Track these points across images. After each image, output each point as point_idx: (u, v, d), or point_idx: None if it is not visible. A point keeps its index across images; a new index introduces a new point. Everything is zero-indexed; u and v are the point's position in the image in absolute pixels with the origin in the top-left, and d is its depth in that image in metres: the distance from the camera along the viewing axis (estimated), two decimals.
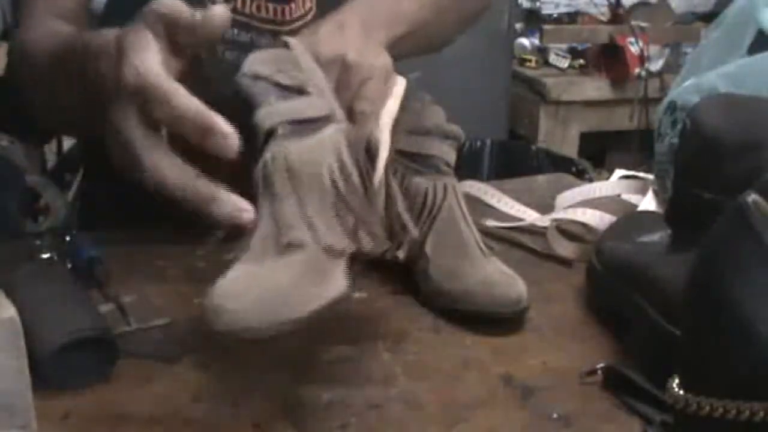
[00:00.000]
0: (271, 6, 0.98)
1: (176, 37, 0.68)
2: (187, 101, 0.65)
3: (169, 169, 0.65)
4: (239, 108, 0.98)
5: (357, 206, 0.70)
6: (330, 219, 0.68)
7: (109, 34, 0.72)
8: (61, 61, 0.83)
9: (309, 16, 1.01)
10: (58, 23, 0.94)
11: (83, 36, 0.80)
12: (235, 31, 0.97)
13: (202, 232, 0.73)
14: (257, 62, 0.74)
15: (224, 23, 0.68)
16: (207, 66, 0.96)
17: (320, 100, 0.73)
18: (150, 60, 0.66)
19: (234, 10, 0.97)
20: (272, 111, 0.71)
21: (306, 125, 0.71)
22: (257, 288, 0.63)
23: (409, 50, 0.91)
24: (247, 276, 0.64)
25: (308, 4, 1.01)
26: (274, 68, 0.73)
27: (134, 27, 0.69)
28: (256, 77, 0.73)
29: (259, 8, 0.98)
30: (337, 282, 0.66)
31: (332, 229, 0.67)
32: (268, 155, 0.69)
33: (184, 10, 0.68)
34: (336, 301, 0.65)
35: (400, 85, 0.81)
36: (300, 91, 0.73)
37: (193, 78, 0.71)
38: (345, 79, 0.78)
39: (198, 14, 0.68)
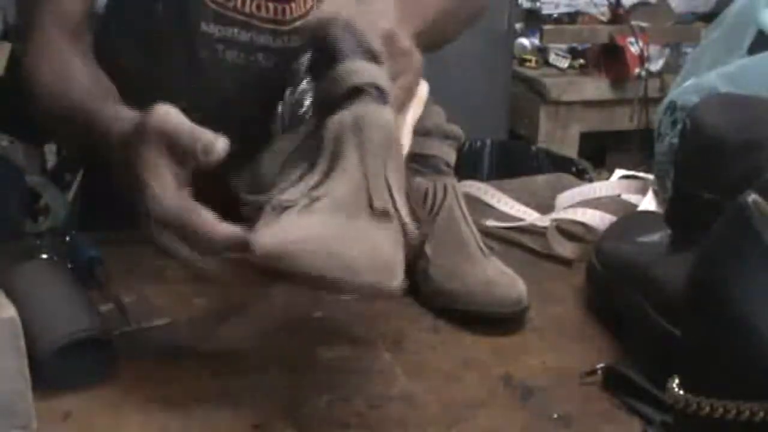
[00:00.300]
0: (271, 5, 0.98)
1: (176, 150, 0.69)
2: (228, 237, 0.66)
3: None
4: (240, 104, 0.98)
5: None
6: (404, 198, 0.68)
7: (125, 123, 0.74)
8: (74, 120, 0.84)
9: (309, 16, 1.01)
10: (69, 55, 0.93)
11: (100, 107, 0.82)
12: (235, 30, 0.97)
13: None
14: (346, 12, 0.71)
15: (220, 156, 0.68)
16: (207, 66, 0.97)
17: (386, 76, 0.71)
18: (167, 189, 0.68)
19: (234, 9, 0.96)
20: (360, 70, 0.69)
21: (382, 95, 0.69)
22: (359, 244, 0.63)
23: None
24: (341, 228, 0.64)
25: (309, 3, 1.01)
26: (363, 28, 0.71)
27: (141, 141, 0.70)
28: (350, 30, 0.70)
29: (259, 7, 0.98)
30: (401, 267, 0.65)
31: (405, 209, 0.67)
32: (362, 110, 0.68)
33: (183, 132, 0.69)
34: (397, 287, 0.65)
35: (423, 88, 0.81)
36: (376, 59, 0.71)
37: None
38: (391, 62, 0.77)
39: (199, 141, 0.68)
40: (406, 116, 0.77)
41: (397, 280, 0.64)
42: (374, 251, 0.63)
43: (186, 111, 0.98)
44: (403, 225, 0.66)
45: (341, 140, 0.67)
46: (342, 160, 0.66)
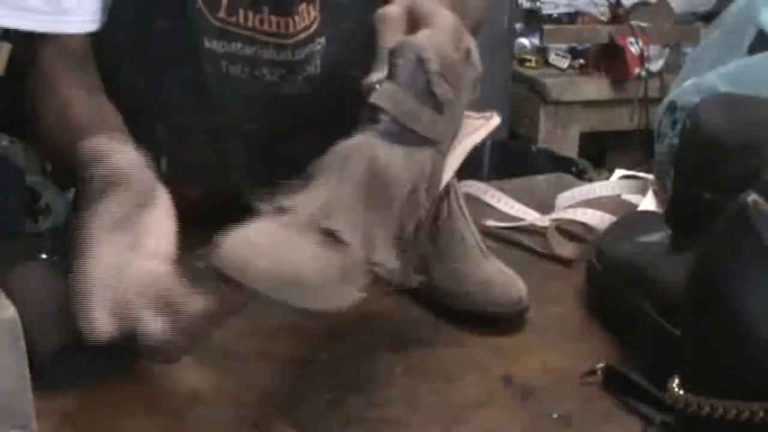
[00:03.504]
0: (274, 19, 0.98)
1: None
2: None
3: None
4: (246, 119, 0.98)
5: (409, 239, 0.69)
6: (387, 236, 0.67)
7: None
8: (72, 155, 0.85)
9: (313, 28, 1.00)
10: (70, 89, 0.92)
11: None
12: (239, 45, 0.96)
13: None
14: (426, 41, 0.70)
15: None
16: (212, 82, 0.96)
17: (442, 122, 0.70)
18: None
19: (237, 24, 0.96)
20: (394, 94, 0.68)
21: (407, 134, 0.69)
22: (284, 260, 0.63)
23: None
24: (280, 239, 0.64)
25: (312, 14, 1.00)
26: (436, 56, 0.70)
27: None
28: (419, 60, 0.69)
29: (261, 21, 0.97)
30: (349, 295, 0.65)
31: (387, 246, 0.66)
32: (359, 138, 0.67)
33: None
34: (333, 311, 0.65)
35: (495, 119, 0.81)
36: (435, 99, 0.70)
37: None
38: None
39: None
40: (458, 148, 0.76)
41: (309, 304, 0.64)
42: (291, 268, 0.63)
43: (191, 128, 0.98)
44: (370, 262, 0.65)
45: (329, 165, 0.67)
46: (320, 169, 0.67)
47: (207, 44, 0.95)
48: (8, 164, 1.02)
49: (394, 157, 0.68)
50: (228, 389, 0.74)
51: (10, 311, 0.63)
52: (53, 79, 0.92)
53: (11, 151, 1.04)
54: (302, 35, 0.99)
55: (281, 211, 0.65)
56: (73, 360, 0.72)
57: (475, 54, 0.77)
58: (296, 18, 0.99)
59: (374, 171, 0.67)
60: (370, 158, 0.67)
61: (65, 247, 0.92)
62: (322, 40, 1.01)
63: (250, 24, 0.97)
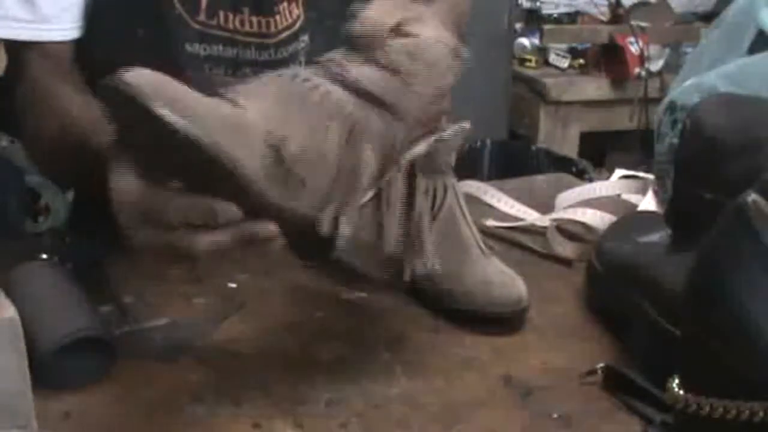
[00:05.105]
0: (255, 19, 0.97)
1: None
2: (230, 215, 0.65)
3: None
4: None
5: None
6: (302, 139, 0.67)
7: None
8: (73, 151, 0.84)
9: (296, 26, 1.00)
10: (58, 90, 0.91)
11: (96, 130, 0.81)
12: (220, 47, 0.96)
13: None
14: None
15: None
16: (195, 85, 0.96)
17: (390, 81, 0.72)
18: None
19: (217, 27, 0.96)
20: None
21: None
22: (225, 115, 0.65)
23: None
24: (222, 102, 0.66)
25: (295, 12, 1.00)
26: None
27: None
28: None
29: (242, 22, 0.97)
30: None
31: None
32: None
33: None
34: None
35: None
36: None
37: None
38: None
39: None
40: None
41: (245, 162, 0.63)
42: (238, 126, 0.64)
43: None
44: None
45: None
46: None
47: (189, 48, 0.95)
48: (8, 164, 1.02)
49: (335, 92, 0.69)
50: (228, 389, 0.74)
51: (10, 311, 0.63)
52: (44, 87, 0.91)
53: (11, 151, 1.04)
54: (285, 34, 0.99)
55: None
56: (73, 360, 0.72)
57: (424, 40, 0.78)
58: (278, 17, 0.98)
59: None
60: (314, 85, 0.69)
61: (65, 247, 0.93)
62: (305, 38, 1.01)
63: (230, 25, 0.96)
